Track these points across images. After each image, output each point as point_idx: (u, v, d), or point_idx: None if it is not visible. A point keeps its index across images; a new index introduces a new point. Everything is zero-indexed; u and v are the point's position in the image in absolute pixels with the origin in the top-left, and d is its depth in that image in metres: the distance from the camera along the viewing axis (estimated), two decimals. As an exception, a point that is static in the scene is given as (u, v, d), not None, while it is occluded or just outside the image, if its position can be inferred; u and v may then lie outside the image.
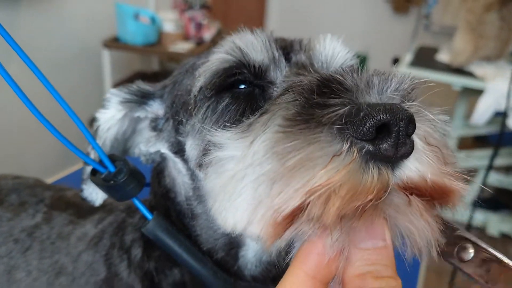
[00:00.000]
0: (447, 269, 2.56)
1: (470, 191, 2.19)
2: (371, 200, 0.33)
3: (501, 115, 2.39)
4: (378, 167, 0.33)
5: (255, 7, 5.37)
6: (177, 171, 0.63)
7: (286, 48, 0.55)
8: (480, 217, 3.01)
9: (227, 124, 0.48)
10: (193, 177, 0.60)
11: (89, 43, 3.18)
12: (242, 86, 0.52)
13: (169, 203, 0.65)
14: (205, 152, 0.50)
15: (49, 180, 1.14)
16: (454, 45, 2.80)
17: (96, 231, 0.75)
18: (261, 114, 0.40)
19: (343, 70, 0.40)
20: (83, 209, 0.80)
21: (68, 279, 0.72)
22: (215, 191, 0.42)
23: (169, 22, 3.25)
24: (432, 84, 0.42)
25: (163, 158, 0.66)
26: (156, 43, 3.23)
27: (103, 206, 0.81)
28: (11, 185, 0.89)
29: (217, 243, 0.61)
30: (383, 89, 0.36)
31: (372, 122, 0.32)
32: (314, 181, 0.32)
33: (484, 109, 2.59)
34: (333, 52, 0.57)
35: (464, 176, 0.38)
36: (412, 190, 0.35)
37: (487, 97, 2.56)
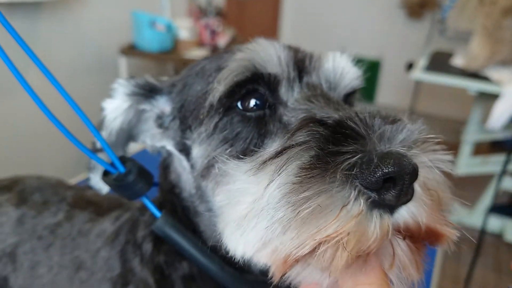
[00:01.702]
0: (462, 274, 2.53)
1: (486, 197, 2.17)
2: (374, 247, 0.36)
3: (517, 120, 2.36)
4: (380, 214, 0.36)
5: (269, 14, 5.42)
6: (182, 167, 0.65)
7: (299, 66, 0.56)
8: (496, 223, 2.97)
9: (235, 149, 0.51)
10: (195, 176, 0.61)
11: (107, 50, 3.25)
12: (253, 103, 0.53)
13: (175, 199, 0.67)
14: (209, 166, 0.53)
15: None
16: (470, 49, 2.78)
17: (113, 228, 0.78)
18: (277, 154, 0.42)
19: (357, 114, 0.42)
20: (102, 207, 0.84)
21: (87, 274, 0.75)
22: (227, 219, 0.45)
23: (184, 30, 3.30)
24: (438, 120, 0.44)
25: (169, 153, 0.68)
26: (172, 50, 3.28)
27: (121, 204, 0.85)
28: (35, 184, 0.93)
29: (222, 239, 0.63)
30: (393, 138, 0.38)
31: (380, 174, 0.34)
32: (325, 231, 0.35)
33: (500, 114, 2.56)
34: (341, 71, 0.58)
35: (452, 224, 0.41)
36: (406, 233, 0.38)
37: (503, 102, 2.54)
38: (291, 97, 0.54)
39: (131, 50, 3.23)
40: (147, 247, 0.68)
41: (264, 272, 0.64)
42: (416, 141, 0.39)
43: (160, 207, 0.64)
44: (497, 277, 2.63)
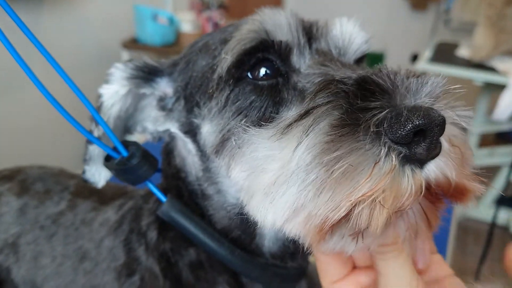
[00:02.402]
0: (468, 267, 2.51)
1: (492, 189, 2.15)
2: (409, 204, 0.35)
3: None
4: (412, 169, 0.35)
5: (271, 6, 5.39)
6: (187, 151, 0.63)
7: (307, 33, 0.55)
8: (503, 215, 2.94)
9: (250, 119, 0.49)
10: (203, 158, 0.59)
11: (109, 44, 3.24)
12: (264, 72, 0.51)
13: (180, 183, 0.64)
14: (224, 140, 0.51)
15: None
16: (474, 40, 2.75)
17: (116, 217, 0.76)
18: (301, 116, 0.41)
19: (380, 70, 0.40)
20: (106, 196, 0.82)
21: (91, 264, 0.73)
22: (252, 189, 0.43)
23: (187, 23, 3.28)
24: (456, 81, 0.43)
25: (172, 137, 0.65)
26: (174, 43, 3.26)
27: (125, 192, 0.83)
28: (37, 174, 0.91)
29: (232, 222, 0.61)
30: (418, 91, 0.37)
31: (410, 127, 0.34)
32: (360, 191, 0.34)
33: (506, 105, 2.53)
34: (349, 37, 0.56)
35: (479, 177, 0.41)
36: (437, 189, 0.38)
37: (509, 92, 2.51)
38: (303, 63, 0.52)
39: (133, 43, 3.21)
40: (152, 235, 0.66)
41: (276, 255, 0.62)
42: (440, 95, 0.38)
43: (164, 193, 0.62)
44: (503, 269, 2.61)
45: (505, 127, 3.02)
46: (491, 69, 2.62)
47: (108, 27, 3.22)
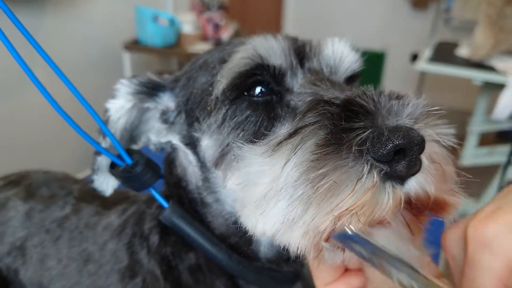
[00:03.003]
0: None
1: (493, 187, 2.15)
2: (387, 217, 0.38)
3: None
4: (392, 185, 0.38)
5: (272, 7, 5.40)
6: (188, 161, 0.66)
7: (300, 53, 0.58)
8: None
9: (246, 133, 0.52)
10: (202, 169, 0.62)
11: (110, 45, 3.26)
12: (259, 90, 0.54)
13: (181, 192, 0.68)
14: (223, 154, 0.54)
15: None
16: (474, 39, 2.76)
17: (119, 221, 0.79)
18: (290, 135, 0.43)
19: (364, 92, 0.43)
20: (108, 201, 0.85)
21: (95, 266, 0.76)
22: (245, 200, 0.46)
23: (187, 24, 3.30)
24: (442, 111, 0.45)
25: (173, 148, 0.69)
26: (175, 44, 3.29)
27: (127, 197, 0.86)
28: (42, 179, 0.94)
29: (229, 229, 0.64)
30: (399, 113, 0.40)
31: (391, 147, 0.36)
32: (344, 205, 0.37)
33: (506, 104, 2.55)
34: (340, 56, 0.59)
35: (458, 192, 0.43)
36: (417, 203, 0.40)
37: (509, 92, 2.52)
38: (296, 83, 0.55)
39: (134, 45, 3.23)
40: (154, 238, 0.69)
41: (271, 260, 0.65)
42: (421, 115, 0.41)
43: (166, 199, 0.65)
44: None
45: (505, 126, 3.03)
46: (491, 69, 2.63)
47: (109, 29, 3.25)
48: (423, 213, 0.43)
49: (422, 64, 2.75)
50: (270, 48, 0.55)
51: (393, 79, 5.04)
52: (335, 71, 0.59)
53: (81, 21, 2.99)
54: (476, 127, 2.95)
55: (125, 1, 3.33)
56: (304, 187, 0.39)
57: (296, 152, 0.40)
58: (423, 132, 0.38)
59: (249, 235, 0.62)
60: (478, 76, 2.61)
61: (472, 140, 2.96)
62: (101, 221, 0.81)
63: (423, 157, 0.39)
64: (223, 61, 0.57)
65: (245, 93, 0.54)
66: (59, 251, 0.81)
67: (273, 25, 5.46)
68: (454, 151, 0.45)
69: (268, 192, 0.42)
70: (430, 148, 0.40)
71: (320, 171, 0.38)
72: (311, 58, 0.58)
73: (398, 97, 0.42)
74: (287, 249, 0.43)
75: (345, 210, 0.37)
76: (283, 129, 0.49)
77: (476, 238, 0.34)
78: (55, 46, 2.76)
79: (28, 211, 0.87)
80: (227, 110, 0.54)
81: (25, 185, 0.93)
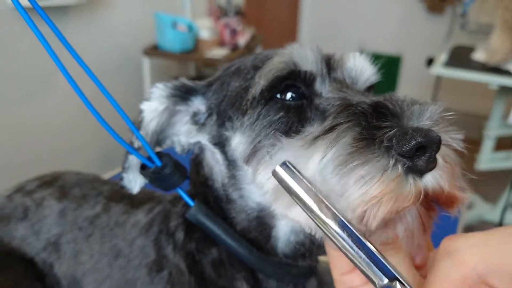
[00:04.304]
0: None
1: (509, 192, 2.14)
2: (408, 207, 0.43)
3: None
4: (413, 177, 0.43)
5: (288, 12, 5.45)
6: (215, 160, 0.71)
7: (327, 64, 0.63)
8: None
9: (278, 132, 0.57)
10: (229, 167, 0.67)
11: (131, 51, 3.36)
12: (290, 95, 0.60)
13: (207, 190, 0.72)
14: (254, 150, 0.59)
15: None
16: (490, 43, 2.76)
17: (147, 219, 0.85)
18: (327, 131, 0.48)
19: (390, 97, 0.49)
20: (136, 200, 0.91)
21: (124, 261, 0.82)
22: (279, 191, 0.49)
23: (205, 29, 3.37)
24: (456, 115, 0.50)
25: (201, 149, 0.73)
26: (193, 50, 3.36)
27: (153, 197, 0.92)
28: (75, 180, 1.01)
29: (251, 224, 0.68)
30: (421, 115, 0.46)
31: (414, 144, 0.42)
32: (372, 192, 0.42)
33: (522, 109, 2.54)
34: (361, 68, 0.65)
35: (466, 188, 0.48)
36: (432, 197, 0.45)
37: (526, 96, 2.51)
38: (324, 89, 0.61)
39: (154, 50, 3.32)
40: (179, 235, 0.74)
41: (288, 255, 0.70)
42: (438, 120, 0.46)
43: (192, 198, 0.70)
44: None
45: (521, 131, 3.01)
46: (507, 73, 2.63)
47: (130, 35, 3.35)
48: (434, 209, 0.48)
49: (438, 69, 2.77)
50: (304, 55, 0.61)
51: (409, 82, 5.03)
52: (356, 82, 0.65)
53: (103, 28, 3.09)
54: (493, 131, 2.94)
55: (145, 8, 3.43)
56: (340, 176, 0.44)
57: (334, 146, 0.45)
58: (440, 134, 0.43)
59: (268, 231, 0.68)
60: (494, 80, 2.61)
61: (488, 144, 2.95)
62: (129, 219, 0.87)
63: (439, 156, 0.44)
64: (257, 67, 0.63)
65: (278, 96, 0.60)
66: (91, 247, 0.88)
67: (289, 29, 5.51)
68: (462, 154, 0.50)
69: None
70: (444, 150, 0.46)
71: (353, 164, 0.43)
72: (336, 69, 0.64)
73: (419, 103, 0.48)
74: (304, 244, 0.47)
75: (373, 196, 0.42)
76: (314, 128, 0.53)
77: (444, 248, 0.40)
78: (78, 52, 2.85)
79: (62, 210, 0.94)
80: (262, 109, 0.60)
81: (59, 185, 0.99)
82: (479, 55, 2.91)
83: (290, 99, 0.60)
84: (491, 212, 3.02)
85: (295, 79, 0.60)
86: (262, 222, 0.68)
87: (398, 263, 0.49)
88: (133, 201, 0.91)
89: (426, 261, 0.54)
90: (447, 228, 0.50)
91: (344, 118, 0.49)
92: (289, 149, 0.50)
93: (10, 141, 2.52)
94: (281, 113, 0.59)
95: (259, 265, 0.67)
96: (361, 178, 0.43)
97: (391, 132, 0.43)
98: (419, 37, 4.74)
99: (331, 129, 0.48)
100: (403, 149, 0.42)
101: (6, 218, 0.95)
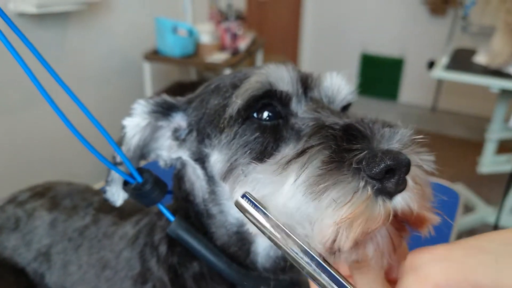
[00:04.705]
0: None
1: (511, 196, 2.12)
2: (377, 228, 0.44)
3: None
4: (383, 199, 0.44)
5: (289, 16, 5.45)
6: (196, 176, 0.72)
7: (304, 83, 0.64)
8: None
9: (253, 152, 0.58)
10: (209, 182, 0.68)
11: (131, 56, 3.38)
12: (266, 114, 0.61)
13: (188, 205, 0.74)
14: (230, 168, 0.60)
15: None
16: (492, 46, 2.74)
17: (134, 231, 0.85)
18: (298, 155, 0.49)
19: (361, 119, 0.50)
20: (124, 212, 0.92)
21: (111, 272, 0.83)
22: None
23: (206, 34, 3.38)
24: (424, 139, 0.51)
25: (183, 164, 0.74)
26: (194, 54, 3.37)
27: (141, 209, 0.92)
28: (66, 191, 1.02)
29: (231, 239, 0.69)
30: (391, 138, 0.47)
31: (383, 166, 0.43)
32: (342, 213, 0.43)
33: (523, 112, 2.52)
34: (337, 88, 0.66)
35: (436, 210, 0.49)
36: (402, 217, 0.46)
37: (527, 99, 2.50)
38: (300, 109, 0.62)
39: (154, 55, 3.33)
40: (163, 249, 0.75)
41: (268, 269, 0.71)
42: (408, 142, 0.47)
43: (174, 213, 0.71)
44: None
45: (524, 134, 2.99)
46: (508, 76, 2.61)
47: (130, 40, 3.37)
48: (405, 228, 0.49)
49: (439, 72, 2.75)
50: (279, 76, 0.62)
51: (411, 85, 5.02)
52: (333, 101, 0.66)
53: (104, 33, 3.11)
54: (494, 134, 2.92)
55: (145, 13, 3.45)
56: (310, 198, 0.45)
57: (304, 169, 0.47)
58: (409, 157, 0.44)
59: (247, 246, 0.69)
60: (496, 83, 2.59)
61: (490, 148, 2.94)
62: (118, 230, 0.88)
63: (409, 178, 0.45)
64: (235, 86, 0.64)
65: (255, 115, 0.61)
66: (79, 258, 0.89)
67: (291, 33, 5.51)
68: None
69: (278, 204, 0.48)
70: (414, 171, 0.46)
71: (325, 184, 0.44)
72: (313, 89, 0.65)
73: (390, 125, 0.49)
74: (284, 258, 0.48)
75: (344, 218, 0.43)
76: (288, 149, 0.55)
77: (409, 263, 0.40)
78: (79, 58, 2.88)
79: (53, 220, 0.95)
80: (238, 128, 0.61)
81: (50, 196, 1.00)
82: (480, 58, 2.89)
83: (267, 118, 0.61)
84: (493, 216, 2.99)
85: (271, 98, 0.61)
86: (242, 237, 0.69)
87: (369, 282, 0.49)
88: (122, 213, 0.92)
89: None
90: (442, 233, 0.51)
91: (316, 141, 0.49)
92: (263, 173, 0.52)
93: (2, 150, 2.52)
94: (257, 134, 0.59)
95: (238, 279, 0.68)
96: (332, 200, 0.43)
97: (361, 154, 0.44)
98: (422, 39, 4.73)
99: (302, 152, 0.49)
100: (373, 172, 0.43)
101: (-2, 228, 0.97)
